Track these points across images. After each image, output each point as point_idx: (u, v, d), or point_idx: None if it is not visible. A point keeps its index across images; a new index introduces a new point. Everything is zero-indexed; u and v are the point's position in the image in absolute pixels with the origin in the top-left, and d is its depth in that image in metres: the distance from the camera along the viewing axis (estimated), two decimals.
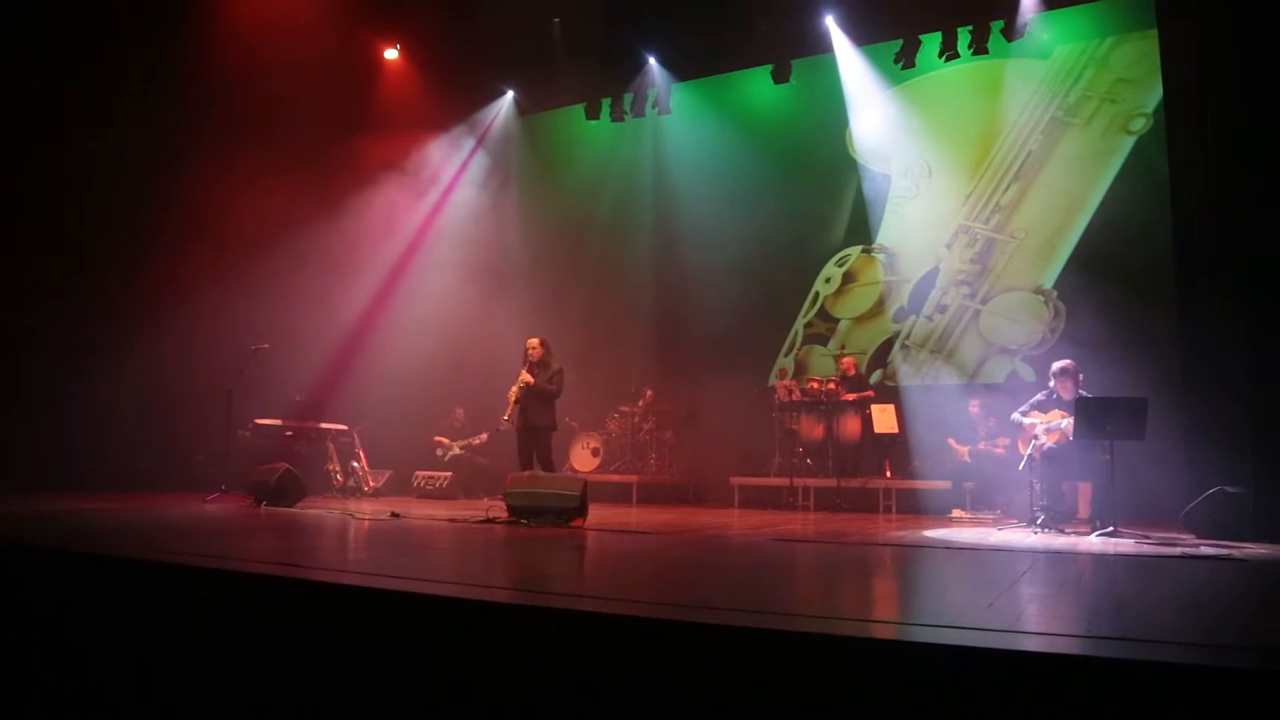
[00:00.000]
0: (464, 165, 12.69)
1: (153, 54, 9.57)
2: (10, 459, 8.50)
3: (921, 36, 10.26)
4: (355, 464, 10.44)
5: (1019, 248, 10.13)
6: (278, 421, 10.09)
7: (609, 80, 11.88)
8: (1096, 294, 8.83)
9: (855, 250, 11.19)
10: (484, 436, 10.87)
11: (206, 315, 9.81)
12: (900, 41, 10.37)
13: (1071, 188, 9.89)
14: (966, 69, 10.41)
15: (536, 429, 7.67)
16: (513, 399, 7.61)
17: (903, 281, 10.81)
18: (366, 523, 6.17)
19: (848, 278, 11.22)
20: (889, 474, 9.45)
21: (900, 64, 10.40)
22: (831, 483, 9.44)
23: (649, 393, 11.12)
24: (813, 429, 9.95)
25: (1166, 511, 6.83)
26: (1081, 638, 2.38)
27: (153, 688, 3.02)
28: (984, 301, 10.24)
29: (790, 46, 10.98)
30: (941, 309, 10.51)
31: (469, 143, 12.71)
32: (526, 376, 7.63)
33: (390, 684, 2.62)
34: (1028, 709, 1.92)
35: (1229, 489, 6.06)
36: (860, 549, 5.08)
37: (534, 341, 7.84)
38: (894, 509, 9.02)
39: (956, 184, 10.55)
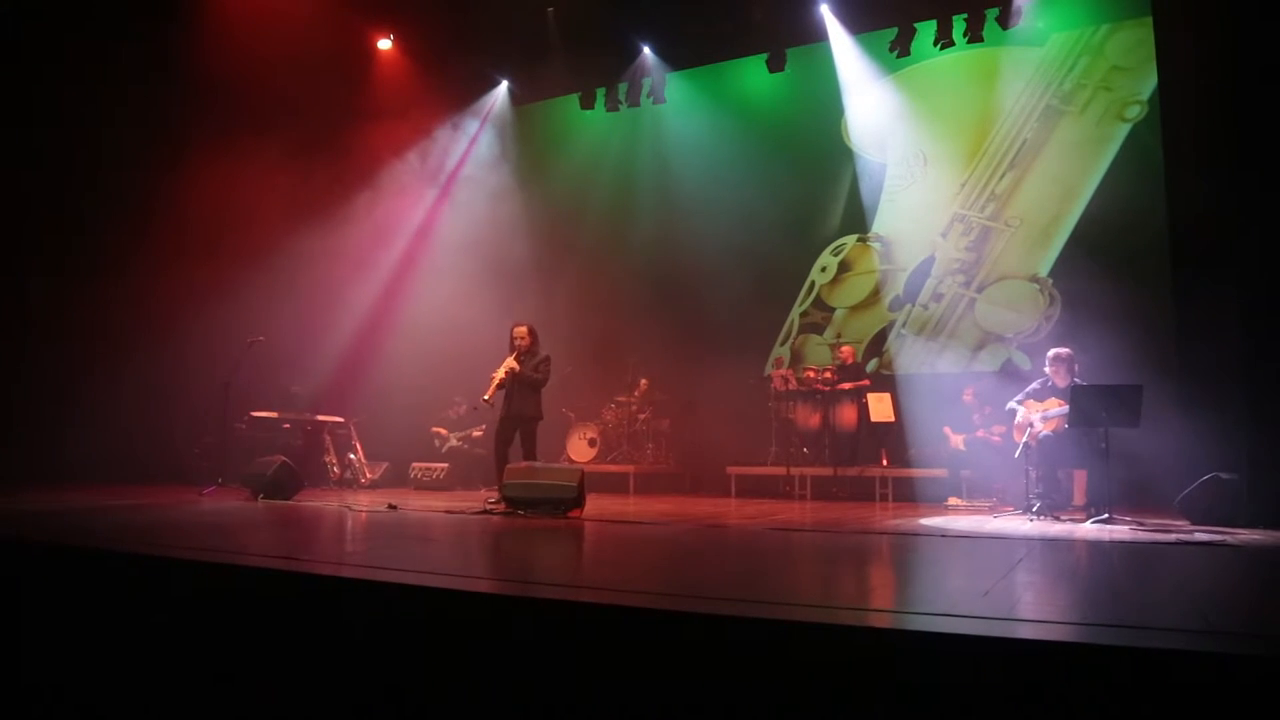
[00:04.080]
0: (459, 156, 12.64)
1: (146, 49, 9.51)
2: (4, 454, 8.48)
3: (916, 24, 10.26)
4: (352, 456, 10.44)
5: (1014, 236, 10.13)
6: (274, 414, 10.08)
7: (604, 70, 11.86)
8: (1092, 281, 8.85)
9: (851, 239, 11.19)
10: (482, 427, 10.87)
11: (202, 308, 9.78)
12: (895, 30, 10.37)
13: (1067, 175, 9.90)
14: (961, 57, 10.40)
15: (523, 419, 7.56)
16: (496, 381, 7.45)
17: (898, 270, 10.82)
18: (364, 515, 6.17)
19: (843, 267, 11.21)
20: (885, 462, 9.46)
21: (895, 52, 10.41)
22: (828, 471, 9.46)
23: (644, 382, 11.13)
24: (809, 418, 9.96)
25: (1161, 498, 6.86)
26: (1077, 625, 2.39)
27: (149, 684, 3.03)
28: (979, 290, 10.25)
29: (785, 35, 10.97)
30: (937, 297, 10.52)
31: (464, 134, 12.65)
32: (512, 363, 7.44)
33: (388, 676, 2.62)
34: (1024, 697, 1.93)
35: (1223, 475, 6.08)
36: (857, 537, 5.09)
37: (521, 330, 7.62)
38: (890, 497, 9.04)
39: (952, 172, 10.54)
